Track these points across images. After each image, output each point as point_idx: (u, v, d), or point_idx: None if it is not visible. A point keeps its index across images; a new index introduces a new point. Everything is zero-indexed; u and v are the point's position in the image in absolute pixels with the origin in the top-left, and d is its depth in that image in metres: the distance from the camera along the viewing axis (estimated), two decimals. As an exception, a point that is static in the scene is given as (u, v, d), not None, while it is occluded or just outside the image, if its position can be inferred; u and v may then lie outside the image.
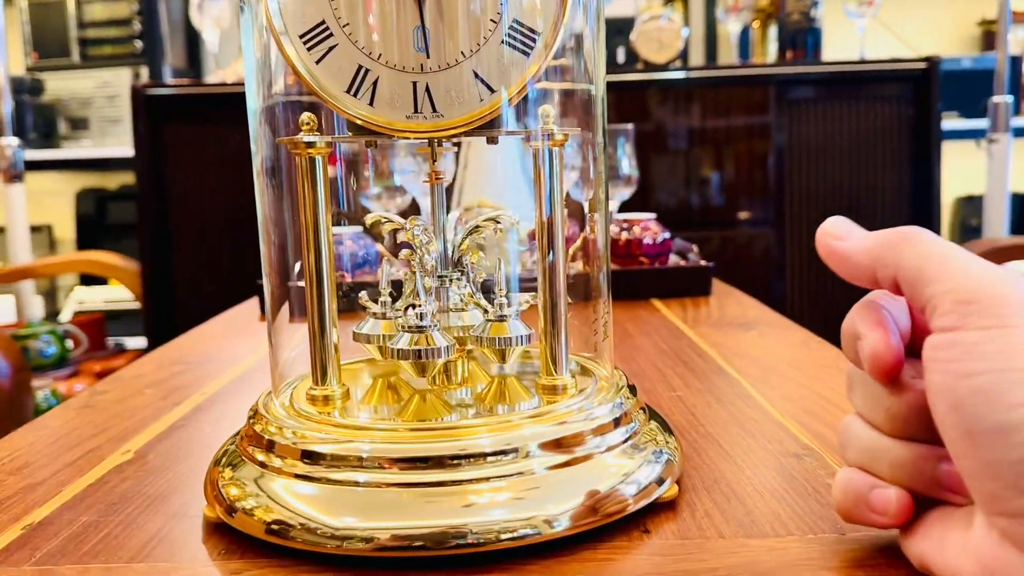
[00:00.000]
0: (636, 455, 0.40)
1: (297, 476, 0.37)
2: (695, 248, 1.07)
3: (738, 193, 1.82)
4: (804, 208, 1.80)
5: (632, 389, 0.44)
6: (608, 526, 0.36)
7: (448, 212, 0.85)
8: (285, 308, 0.47)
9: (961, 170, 2.78)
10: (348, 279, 0.96)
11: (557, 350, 0.42)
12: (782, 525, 0.36)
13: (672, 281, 0.97)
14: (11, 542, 0.38)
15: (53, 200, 2.98)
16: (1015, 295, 0.28)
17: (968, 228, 3.00)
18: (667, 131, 1.83)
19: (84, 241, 2.93)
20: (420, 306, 0.42)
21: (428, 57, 0.38)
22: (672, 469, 0.40)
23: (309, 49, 0.39)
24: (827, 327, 0.70)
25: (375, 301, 0.44)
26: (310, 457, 0.37)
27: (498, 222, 0.45)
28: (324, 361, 0.41)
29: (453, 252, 0.45)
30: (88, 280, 2.87)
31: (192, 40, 2.91)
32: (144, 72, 2.75)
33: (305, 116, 0.40)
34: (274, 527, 0.36)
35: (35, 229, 2.83)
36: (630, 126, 1.14)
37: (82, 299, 2.72)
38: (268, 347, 0.45)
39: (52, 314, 2.77)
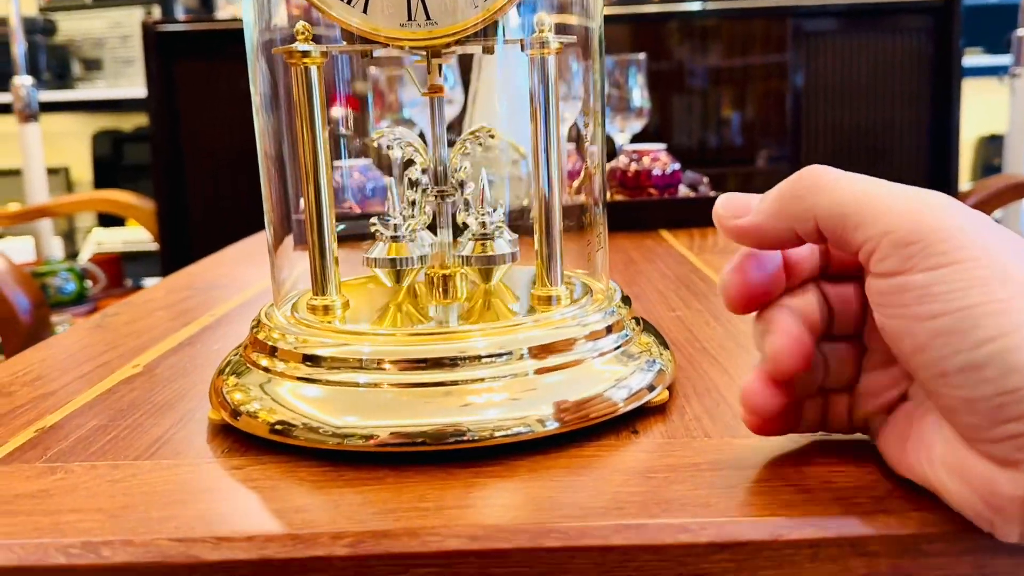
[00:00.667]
0: (629, 363, 0.40)
1: (300, 379, 0.38)
2: (706, 180, 1.07)
3: (756, 132, 1.80)
4: (821, 146, 1.78)
5: (626, 300, 0.44)
6: (598, 427, 0.37)
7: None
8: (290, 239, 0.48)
9: (986, 108, 2.73)
10: (357, 210, 0.97)
11: (551, 260, 0.42)
12: (769, 427, 0.37)
13: (680, 212, 0.97)
14: (24, 443, 0.39)
15: (69, 142, 2.99)
16: (953, 224, 0.27)
17: (990, 167, 2.95)
18: (685, 70, 1.80)
19: (101, 183, 2.95)
20: (483, 214, 0.43)
21: (421, -36, 0.38)
22: (664, 377, 0.41)
23: (303, -43, 0.39)
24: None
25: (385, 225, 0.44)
26: (312, 360, 0.38)
27: (490, 133, 0.45)
28: (324, 271, 0.42)
29: (454, 168, 0.45)
30: (106, 221, 2.89)
31: (204, -21, 2.88)
32: (156, 11, 2.74)
33: (300, 25, 0.40)
34: (277, 427, 0.37)
35: (52, 171, 2.84)
36: (642, 55, 1.13)
37: (100, 240, 2.75)
38: (270, 265, 0.45)
39: (71, 255, 2.80)
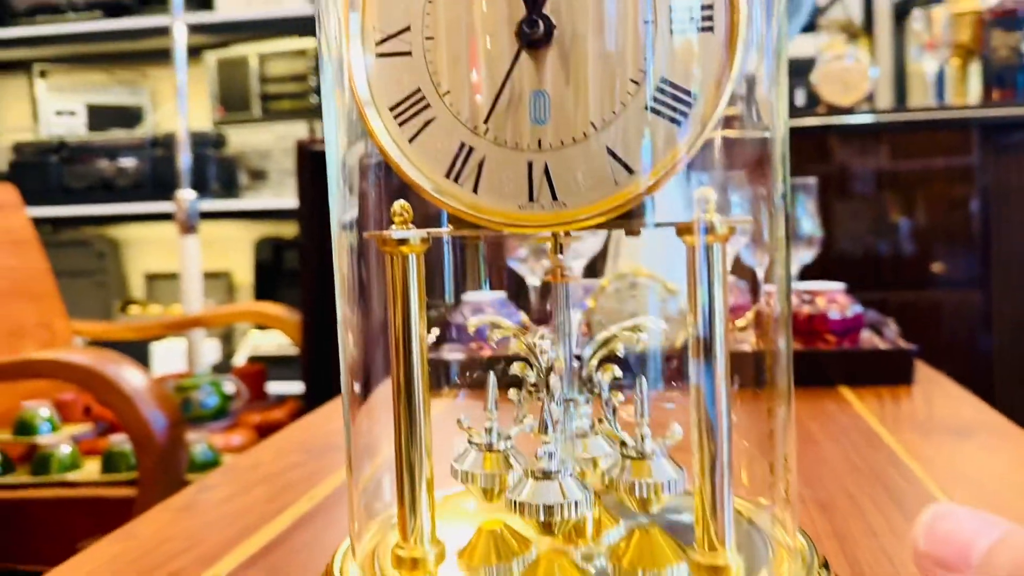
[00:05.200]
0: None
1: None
2: (891, 323, 0.92)
3: (933, 244, 1.61)
4: (1017, 265, 1.57)
5: (826, 567, 0.32)
6: None
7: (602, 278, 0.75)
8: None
9: None
10: (487, 352, 0.89)
11: (718, 520, 0.31)
12: None
13: (865, 365, 0.82)
14: None
15: (233, 248, 3.13)
16: None
17: None
18: (850, 174, 1.65)
19: (262, 287, 3.05)
20: (548, 444, 0.33)
21: (548, 130, 0.29)
22: None
23: (401, 124, 0.31)
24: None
25: (482, 426, 0.35)
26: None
27: (640, 331, 0.35)
28: (413, 513, 0.32)
29: (582, 368, 0.36)
30: (263, 324, 2.98)
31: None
32: (319, 126, 2.85)
33: (397, 205, 0.32)
34: None
35: (215, 275, 2.98)
36: (812, 180, 1.00)
37: (257, 343, 2.82)
38: (348, 477, 0.37)
39: (227, 356, 2.89)
